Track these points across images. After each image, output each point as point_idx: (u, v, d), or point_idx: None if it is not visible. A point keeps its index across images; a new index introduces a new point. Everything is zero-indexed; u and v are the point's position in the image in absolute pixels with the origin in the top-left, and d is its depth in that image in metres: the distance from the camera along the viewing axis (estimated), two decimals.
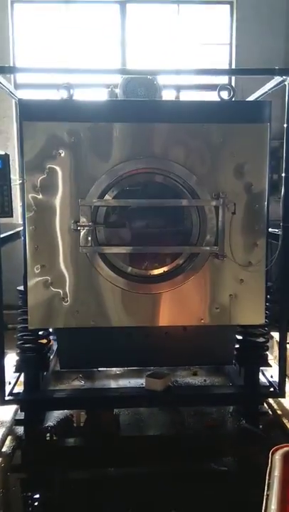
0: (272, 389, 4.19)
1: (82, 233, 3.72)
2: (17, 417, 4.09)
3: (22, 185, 3.73)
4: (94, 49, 7.13)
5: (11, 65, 6.86)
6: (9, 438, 3.95)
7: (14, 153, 6.45)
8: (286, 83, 3.78)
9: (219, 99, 3.90)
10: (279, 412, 4.25)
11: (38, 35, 7.10)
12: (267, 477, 1.73)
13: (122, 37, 7.14)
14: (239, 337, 4.26)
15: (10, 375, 4.20)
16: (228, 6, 7.17)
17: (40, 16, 7.08)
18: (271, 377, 4.33)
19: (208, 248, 3.81)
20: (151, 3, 7.16)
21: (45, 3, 7.06)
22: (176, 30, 7.21)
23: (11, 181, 3.82)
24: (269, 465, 1.79)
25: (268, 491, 1.66)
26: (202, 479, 3.63)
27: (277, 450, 1.85)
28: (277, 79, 3.90)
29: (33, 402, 4.10)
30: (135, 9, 7.15)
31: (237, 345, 4.28)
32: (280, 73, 3.82)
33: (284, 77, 3.79)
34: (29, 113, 3.73)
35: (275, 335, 4.47)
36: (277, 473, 1.70)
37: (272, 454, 1.83)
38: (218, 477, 3.66)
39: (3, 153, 3.78)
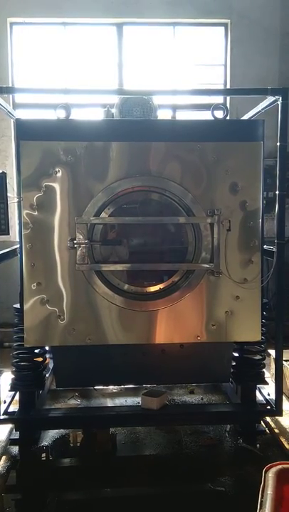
0: (269, 407, 4.16)
1: (78, 251, 3.74)
2: (12, 437, 4.05)
3: (19, 203, 3.76)
4: (91, 69, 7.26)
5: (10, 85, 6.96)
6: (4, 458, 3.90)
7: (12, 171, 6.43)
8: (278, 103, 3.84)
9: (213, 119, 3.96)
10: (276, 430, 4.21)
11: (36, 56, 7.23)
12: (260, 495, 1.71)
13: (118, 58, 7.28)
14: (236, 354, 4.25)
15: (5, 393, 4.17)
16: (222, 28, 7.32)
17: (38, 37, 7.22)
18: (268, 395, 4.30)
19: (203, 265, 3.83)
20: (148, 26, 7.29)
21: (44, 25, 7.20)
22: (171, 52, 7.34)
23: (8, 199, 3.85)
24: (262, 483, 1.76)
25: (260, 509, 1.64)
26: (199, 500, 3.58)
27: (270, 468, 1.83)
28: (270, 98, 3.96)
29: (28, 422, 4.06)
30: (132, 31, 7.30)
31: (233, 363, 4.27)
32: (273, 93, 3.88)
33: (276, 96, 3.85)
34: (26, 132, 3.77)
35: (272, 352, 4.45)
36: (270, 491, 1.68)
37: (266, 471, 1.81)
38: (215, 497, 3.61)
39: (0, 171, 3.81)
